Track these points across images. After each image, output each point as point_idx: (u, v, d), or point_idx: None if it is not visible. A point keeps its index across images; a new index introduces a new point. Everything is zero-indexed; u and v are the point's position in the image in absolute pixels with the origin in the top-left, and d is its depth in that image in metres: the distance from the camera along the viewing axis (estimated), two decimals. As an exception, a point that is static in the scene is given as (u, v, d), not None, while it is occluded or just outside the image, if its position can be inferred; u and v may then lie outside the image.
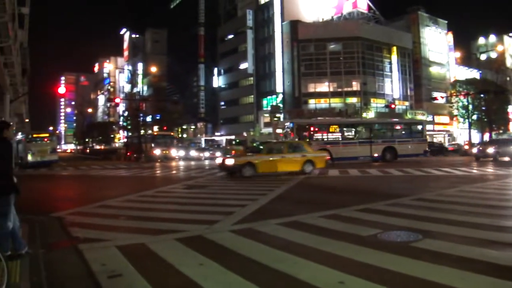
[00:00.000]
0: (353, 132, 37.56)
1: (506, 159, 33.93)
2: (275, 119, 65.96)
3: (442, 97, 74.26)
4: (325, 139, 35.73)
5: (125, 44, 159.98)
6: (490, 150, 35.48)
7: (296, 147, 25.68)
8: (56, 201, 15.82)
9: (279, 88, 76.25)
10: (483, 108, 70.88)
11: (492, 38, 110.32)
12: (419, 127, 39.71)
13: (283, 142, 30.61)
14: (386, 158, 35.70)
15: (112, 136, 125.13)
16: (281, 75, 76.48)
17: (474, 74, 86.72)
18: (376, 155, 35.89)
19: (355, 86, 73.58)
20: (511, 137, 51.58)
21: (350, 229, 8.67)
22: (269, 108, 73.77)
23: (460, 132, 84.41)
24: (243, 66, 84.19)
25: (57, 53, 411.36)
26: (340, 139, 36.07)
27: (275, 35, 77.92)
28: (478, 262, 6.12)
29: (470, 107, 70.75)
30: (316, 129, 37.06)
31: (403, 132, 38.60)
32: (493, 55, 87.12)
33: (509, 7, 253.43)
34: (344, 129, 37.40)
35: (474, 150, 39.27)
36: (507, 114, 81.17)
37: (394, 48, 78.92)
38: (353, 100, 72.81)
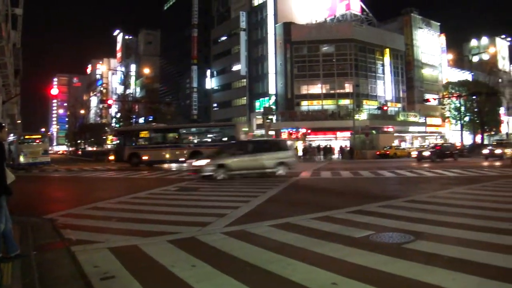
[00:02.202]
0: (162, 137, 41.07)
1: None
2: (268, 121, 65.87)
3: (435, 99, 74.60)
4: (137, 144, 40.12)
5: (118, 46, 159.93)
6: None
7: None
8: (48, 203, 15.84)
9: (271, 90, 76.08)
10: (475, 109, 71.40)
11: (484, 40, 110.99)
12: (231, 130, 39.08)
13: None
14: None
15: (104, 137, 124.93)
16: (273, 77, 76.30)
17: (466, 76, 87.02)
18: (183, 159, 37.65)
19: (348, 88, 73.34)
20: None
21: (342, 230, 8.69)
22: (261, 110, 73.51)
23: (452, 133, 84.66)
24: (236, 68, 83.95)
25: (50, 54, 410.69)
26: (151, 143, 40.16)
27: (268, 37, 77.75)
28: (470, 263, 6.16)
29: (462, 108, 71.30)
30: (132, 134, 41.67)
31: (214, 136, 39.44)
32: (485, 57, 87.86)
33: (501, 10, 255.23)
34: (154, 134, 41.28)
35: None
36: (498, 116, 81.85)
37: (387, 50, 78.94)
38: (345, 101, 72.71)
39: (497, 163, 35.00)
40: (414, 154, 49.03)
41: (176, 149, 38.52)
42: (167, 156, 38.75)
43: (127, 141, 41.34)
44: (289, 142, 30.89)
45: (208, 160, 23.89)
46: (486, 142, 71.71)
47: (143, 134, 41.93)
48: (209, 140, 39.35)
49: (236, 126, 40.42)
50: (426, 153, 43.56)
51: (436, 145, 49.19)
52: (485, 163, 35.61)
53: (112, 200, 14.87)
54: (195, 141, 39.73)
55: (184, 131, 41.75)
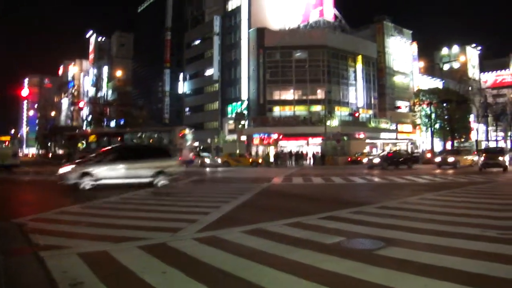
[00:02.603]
0: (108, 141, 41.25)
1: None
2: (240, 126, 66.01)
3: (406, 106, 75.43)
4: (86, 148, 41.47)
5: (91, 47, 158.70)
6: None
7: None
8: (17, 207, 15.62)
9: (244, 95, 76.12)
10: (446, 117, 72.40)
11: (455, 48, 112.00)
12: (169, 135, 40.48)
13: None
14: None
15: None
16: (246, 82, 76.27)
17: (437, 83, 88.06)
18: None
19: (320, 94, 73.26)
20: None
21: (314, 237, 8.70)
22: (233, 115, 73.55)
23: (422, 140, 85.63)
24: (208, 72, 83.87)
25: (21, 54, 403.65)
26: (98, 148, 38.90)
27: (241, 41, 77.91)
28: (441, 269, 6.21)
29: (433, 116, 72.14)
30: (82, 139, 44.02)
31: (154, 141, 40.69)
32: (456, 65, 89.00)
33: (472, 19, 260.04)
34: (100, 139, 42.47)
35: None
36: (468, 123, 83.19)
37: (359, 57, 79.41)
38: (317, 108, 72.91)
39: (450, 171, 34.91)
40: (365, 160, 48.43)
41: None
42: None
43: (78, 145, 43.38)
44: (173, 148, 30.21)
45: (73, 166, 21.20)
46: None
47: (91, 138, 43.64)
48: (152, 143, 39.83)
49: (173, 130, 40.96)
50: (376, 160, 42.97)
51: (388, 152, 48.82)
52: (437, 171, 35.42)
53: (82, 205, 14.65)
54: None
55: (128, 135, 42.62)
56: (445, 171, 35.68)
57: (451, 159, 40.14)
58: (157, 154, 23.47)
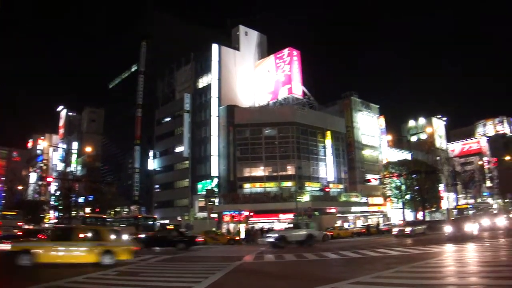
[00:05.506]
0: None
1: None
2: (210, 203, 65.68)
3: (376, 179, 76.10)
4: None
5: (61, 122, 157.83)
6: None
7: None
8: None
9: (214, 172, 75.91)
10: (416, 187, 73.27)
11: (422, 120, 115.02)
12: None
13: None
14: None
15: (42, 216, 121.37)
16: (216, 159, 76.39)
17: (406, 155, 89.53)
18: None
19: (290, 170, 74.10)
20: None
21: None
22: (204, 192, 73.23)
23: (394, 212, 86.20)
24: (179, 149, 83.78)
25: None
26: None
27: (211, 119, 78.39)
28: None
29: (403, 187, 73.32)
30: None
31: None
32: (423, 136, 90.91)
33: (436, 92, 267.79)
34: None
35: None
36: (438, 193, 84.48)
37: (328, 133, 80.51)
38: (288, 184, 73.30)
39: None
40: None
41: None
42: None
43: None
44: None
45: None
46: (428, 218, 73.60)
47: None
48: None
49: None
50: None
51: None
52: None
53: (46, 284, 14.28)
54: None
55: None
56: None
57: None
58: None
